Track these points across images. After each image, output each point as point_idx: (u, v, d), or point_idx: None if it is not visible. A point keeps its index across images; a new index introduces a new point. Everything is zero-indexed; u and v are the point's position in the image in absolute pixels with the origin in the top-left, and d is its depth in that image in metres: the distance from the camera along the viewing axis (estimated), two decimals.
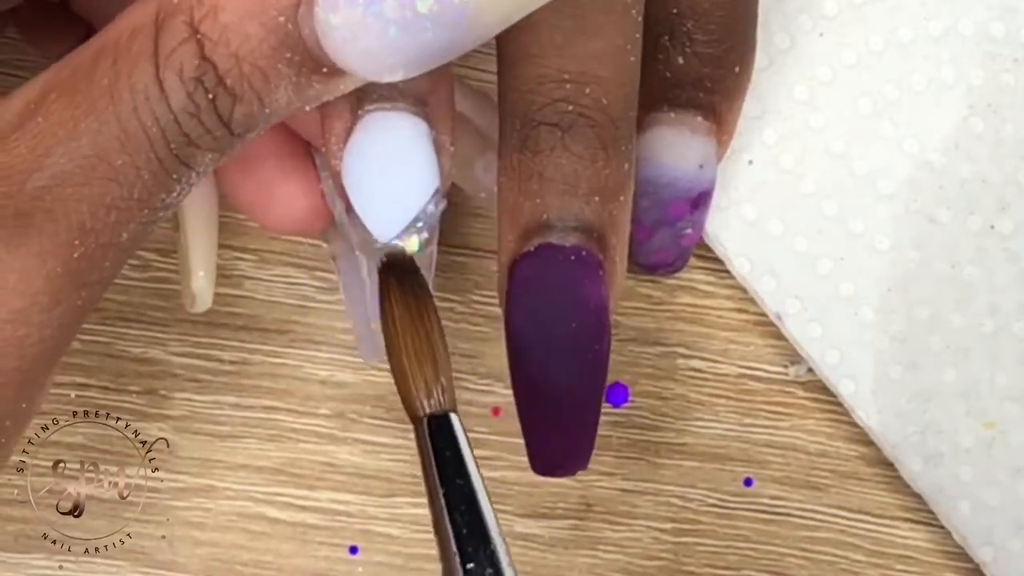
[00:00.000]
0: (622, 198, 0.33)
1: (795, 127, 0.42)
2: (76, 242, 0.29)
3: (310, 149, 0.37)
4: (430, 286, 0.34)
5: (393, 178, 0.32)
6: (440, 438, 0.32)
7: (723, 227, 0.42)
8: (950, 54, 0.43)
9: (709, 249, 0.43)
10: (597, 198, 0.32)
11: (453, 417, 0.32)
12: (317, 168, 0.37)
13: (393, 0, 0.27)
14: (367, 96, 0.31)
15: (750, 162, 0.42)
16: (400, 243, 0.32)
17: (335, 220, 0.37)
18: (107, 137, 0.28)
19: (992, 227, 0.43)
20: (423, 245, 0.32)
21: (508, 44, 0.32)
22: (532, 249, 0.33)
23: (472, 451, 0.32)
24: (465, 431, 0.32)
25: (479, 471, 0.32)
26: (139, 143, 0.28)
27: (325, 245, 0.40)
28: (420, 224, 0.32)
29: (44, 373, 0.31)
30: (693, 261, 0.42)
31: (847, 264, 0.42)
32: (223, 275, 0.42)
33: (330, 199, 0.36)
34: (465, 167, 0.37)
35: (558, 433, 0.34)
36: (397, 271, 0.33)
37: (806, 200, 0.42)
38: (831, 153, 0.42)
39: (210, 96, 0.28)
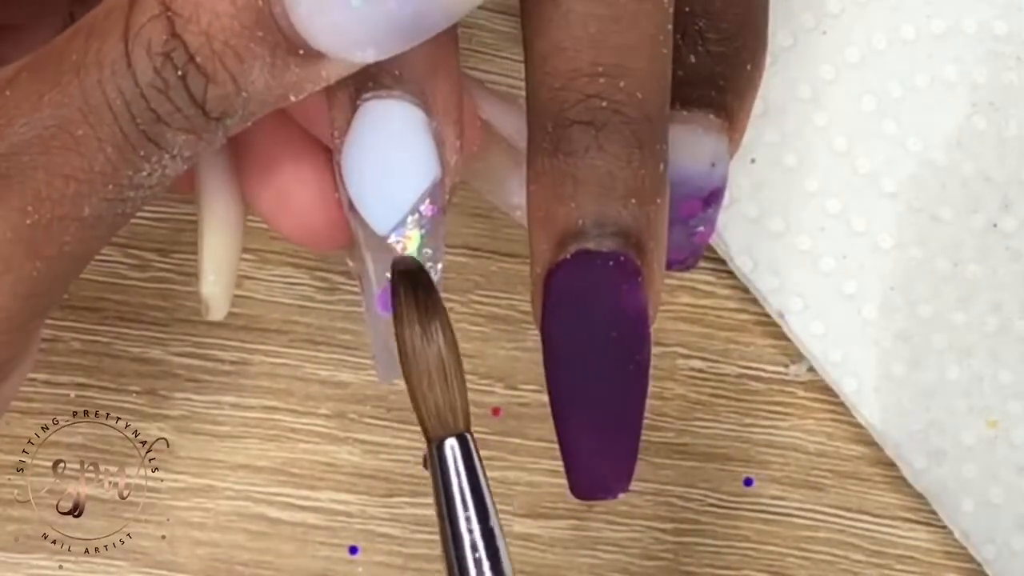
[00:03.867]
0: (659, 201, 0.32)
1: (798, 125, 0.42)
2: (29, 208, 0.28)
3: (331, 158, 0.36)
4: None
5: (387, 166, 0.31)
6: (454, 460, 0.31)
7: (725, 225, 0.42)
8: (953, 52, 0.43)
9: (710, 248, 0.43)
10: (633, 200, 0.31)
11: (468, 437, 0.31)
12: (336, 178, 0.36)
13: None
14: (364, 86, 0.31)
15: (752, 160, 0.42)
16: (401, 240, 0.32)
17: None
18: (69, 108, 0.28)
19: (995, 225, 0.43)
20: (424, 242, 0.32)
21: (537, 39, 0.32)
22: (568, 256, 0.31)
23: (485, 474, 0.31)
24: (479, 453, 0.31)
25: (491, 496, 0.31)
26: (102, 115, 0.28)
27: (350, 263, 0.39)
28: (419, 218, 0.31)
29: None
30: None
31: (850, 262, 0.42)
32: None
33: (347, 208, 0.36)
34: (499, 184, 0.36)
35: (601, 451, 0.32)
36: (410, 282, 0.32)
37: (809, 198, 0.42)
38: (834, 151, 0.42)
39: (180, 73, 0.28)
